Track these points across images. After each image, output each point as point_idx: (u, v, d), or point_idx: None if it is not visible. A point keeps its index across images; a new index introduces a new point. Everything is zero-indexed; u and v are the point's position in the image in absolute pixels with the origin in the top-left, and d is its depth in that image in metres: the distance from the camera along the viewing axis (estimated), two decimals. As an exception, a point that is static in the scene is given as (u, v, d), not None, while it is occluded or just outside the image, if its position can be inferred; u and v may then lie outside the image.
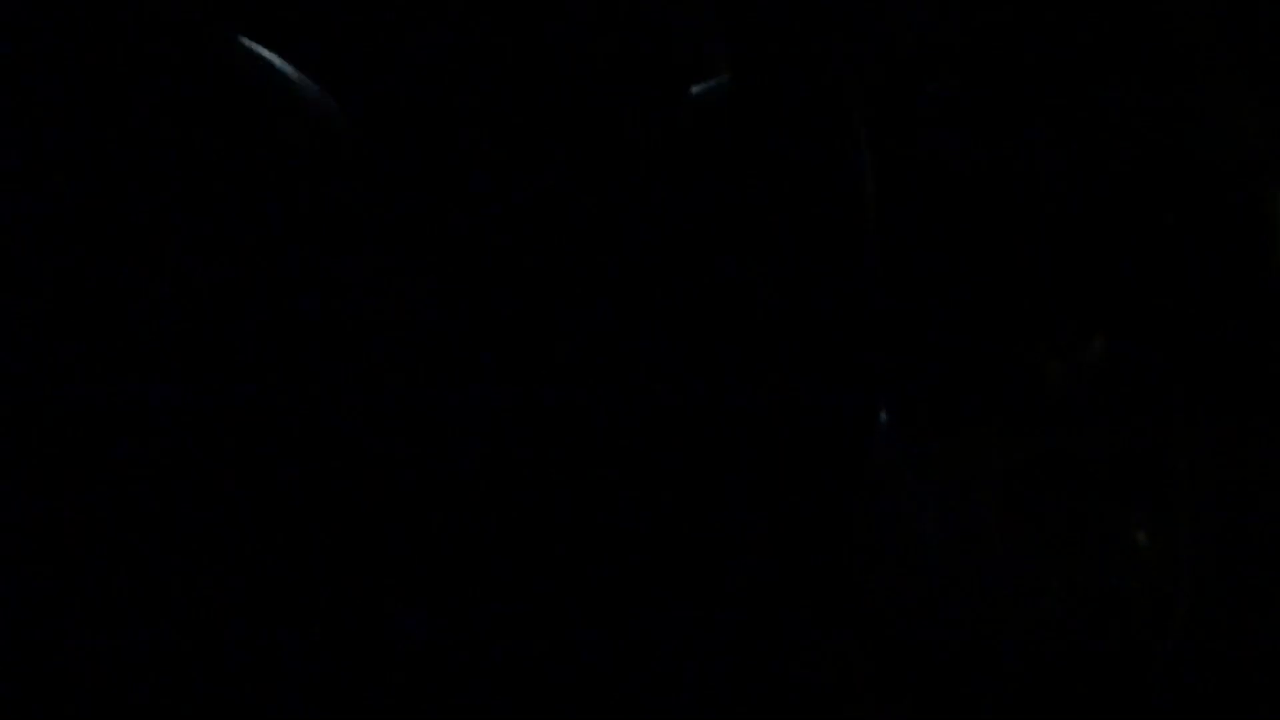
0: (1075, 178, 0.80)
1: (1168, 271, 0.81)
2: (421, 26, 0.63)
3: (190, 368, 0.45)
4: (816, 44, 0.50)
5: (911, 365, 0.76)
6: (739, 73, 0.51)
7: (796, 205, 0.48)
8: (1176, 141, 0.82)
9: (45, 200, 0.45)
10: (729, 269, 0.52)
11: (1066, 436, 0.77)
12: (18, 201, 0.44)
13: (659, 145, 0.54)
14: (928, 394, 0.77)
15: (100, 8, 0.45)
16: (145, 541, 0.45)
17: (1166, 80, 0.83)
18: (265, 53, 0.48)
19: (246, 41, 0.48)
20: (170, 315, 0.45)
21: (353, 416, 0.47)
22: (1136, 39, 0.84)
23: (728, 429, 0.52)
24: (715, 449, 0.52)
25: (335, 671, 0.48)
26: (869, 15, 0.81)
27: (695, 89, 0.57)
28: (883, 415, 0.74)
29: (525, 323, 0.50)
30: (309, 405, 0.46)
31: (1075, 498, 0.77)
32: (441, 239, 0.49)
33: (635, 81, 0.56)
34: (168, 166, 0.45)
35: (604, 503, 0.50)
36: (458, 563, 0.50)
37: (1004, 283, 0.79)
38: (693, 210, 0.55)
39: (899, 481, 0.75)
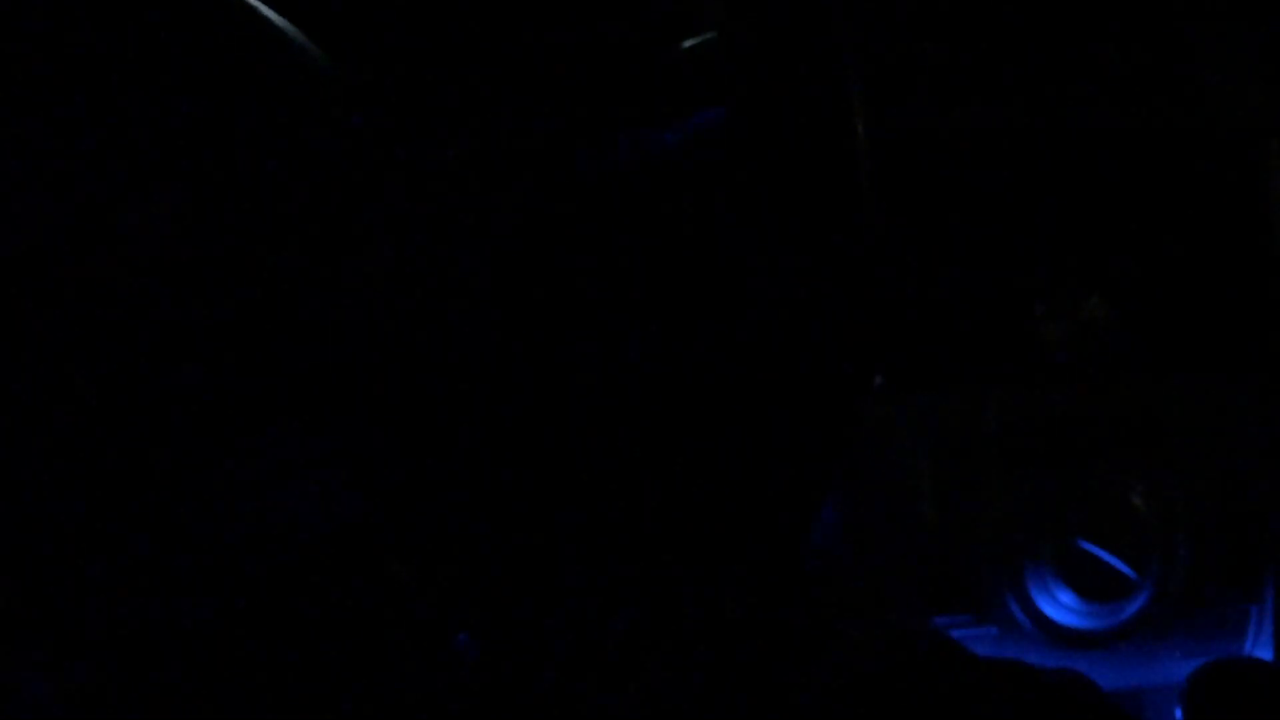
0: (1073, 142, 0.79)
1: (1164, 234, 0.81)
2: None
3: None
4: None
5: (910, 325, 0.76)
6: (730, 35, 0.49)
7: (793, 170, 0.47)
8: (1175, 107, 0.81)
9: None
10: (723, 230, 0.51)
11: (1063, 394, 0.77)
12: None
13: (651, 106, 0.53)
14: (926, 353, 0.76)
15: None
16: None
17: (1165, 46, 0.82)
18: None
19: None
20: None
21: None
22: (1137, 5, 0.83)
23: (721, 393, 0.51)
24: (708, 413, 0.51)
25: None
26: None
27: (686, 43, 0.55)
28: (878, 379, 0.73)
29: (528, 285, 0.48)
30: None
31: (1071, 456, 0.76)
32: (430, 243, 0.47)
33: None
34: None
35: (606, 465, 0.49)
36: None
37: (1003, 245, 0.78)
38: (684, 173, 0.54)
39: (892, 441, 0.74)
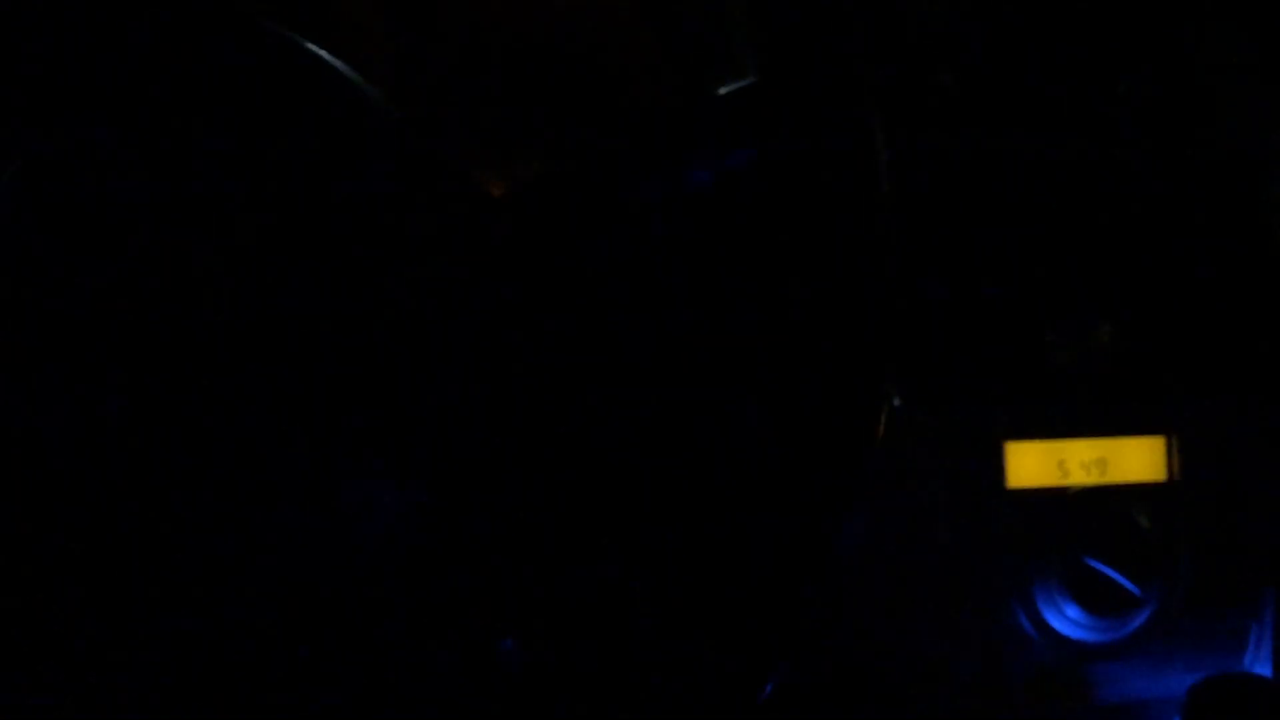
0: (1086, 166, 0.82)
1: (1175, 259, 0.83)
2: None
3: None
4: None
5: (925, 348, 0.78)
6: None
7: (817, 213, 0.50)
8: (1186, 133, 0.84)
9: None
10: (750, 267, 0.54)
11: (1072, 416, 0.79)
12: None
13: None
14: (940, 376, 0.79)
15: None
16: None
17: (1176, 72, 0.85)
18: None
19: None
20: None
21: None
22: (1147, 31, 0.86)
23: (738, 417, 0.54)
24: (725, 440, 0.54)
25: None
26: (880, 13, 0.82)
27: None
28: (896, 400, 0.76)
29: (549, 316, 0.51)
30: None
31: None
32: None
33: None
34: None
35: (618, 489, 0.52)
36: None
37: (1016, 269, 0.81)
38: (700, 196, 0.57)
39: (905, 460, 0.77)
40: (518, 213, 0.57)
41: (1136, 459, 0.80)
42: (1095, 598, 0.76)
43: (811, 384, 0.49)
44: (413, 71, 0.67)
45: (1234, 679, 0.67)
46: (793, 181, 0.50)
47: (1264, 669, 0.81)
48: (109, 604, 0.45)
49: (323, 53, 0.49)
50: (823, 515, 0.49)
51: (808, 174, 0.50)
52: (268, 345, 0.48)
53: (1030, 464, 0.78)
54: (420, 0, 0.71)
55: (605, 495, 0.51)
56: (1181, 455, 0.80)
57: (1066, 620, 0.77)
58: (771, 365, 0.50)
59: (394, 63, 0.70)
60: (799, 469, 0.49)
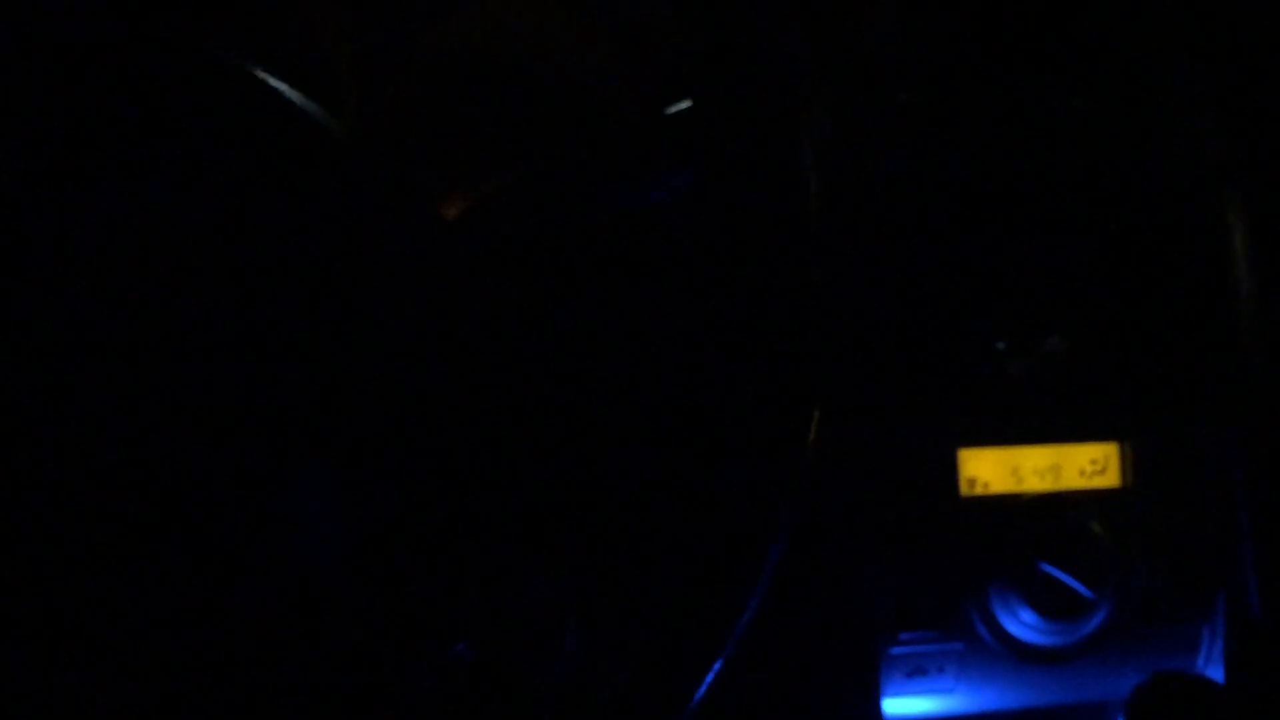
0: (1038, 180, 0.84)
1: (1125, 269, 0.85)
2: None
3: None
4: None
5: (878, 358, 0.80)
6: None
7: (740, 214, 0.51)
8: (1136, 151, 0.86)
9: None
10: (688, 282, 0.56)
11: (1024, 426, 0.81)
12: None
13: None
14: (894, 385, 0.81)
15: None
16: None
17: (1127, 90, 0.87)
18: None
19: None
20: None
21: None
22: (1100, 49, 0.88)
23: (673, 426, 0.56)
24: (660, 450, 0.55)
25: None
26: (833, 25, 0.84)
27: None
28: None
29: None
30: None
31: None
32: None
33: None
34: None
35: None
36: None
37: (969, 279, 0.83)
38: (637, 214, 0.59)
39: (862, 468, 0.78)
40: (469, 234, 0.59)
41: (1089, 465, 0.82)
42: (1050, 602, 0.78)
43: (743, 396, 0.51)
44: (376, 95, 0.69)
45: (1176, 678, 0.68)
46: (726, 201, 0.52)
47: (1216, 671, 0.83)
48: (50, 620, 0.47)
49: (275, 81, 0.51)
50: (757, 522, 0.51)
51: (740, 194, 0.52)
52: (220, 365, 0.50)
53: (984, 471, 0.80)
54: (386, 28, 0.73)
55: (545, 506, 0.53)
56: (1134, 461, 0.82)
57: (1022, 625, 0.78)
58: (704, 377, 0.52)
59: (358, 87, 0.73)
60: (733, 478, 0.51)
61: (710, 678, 0.52)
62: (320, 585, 0.51)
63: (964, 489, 0.80)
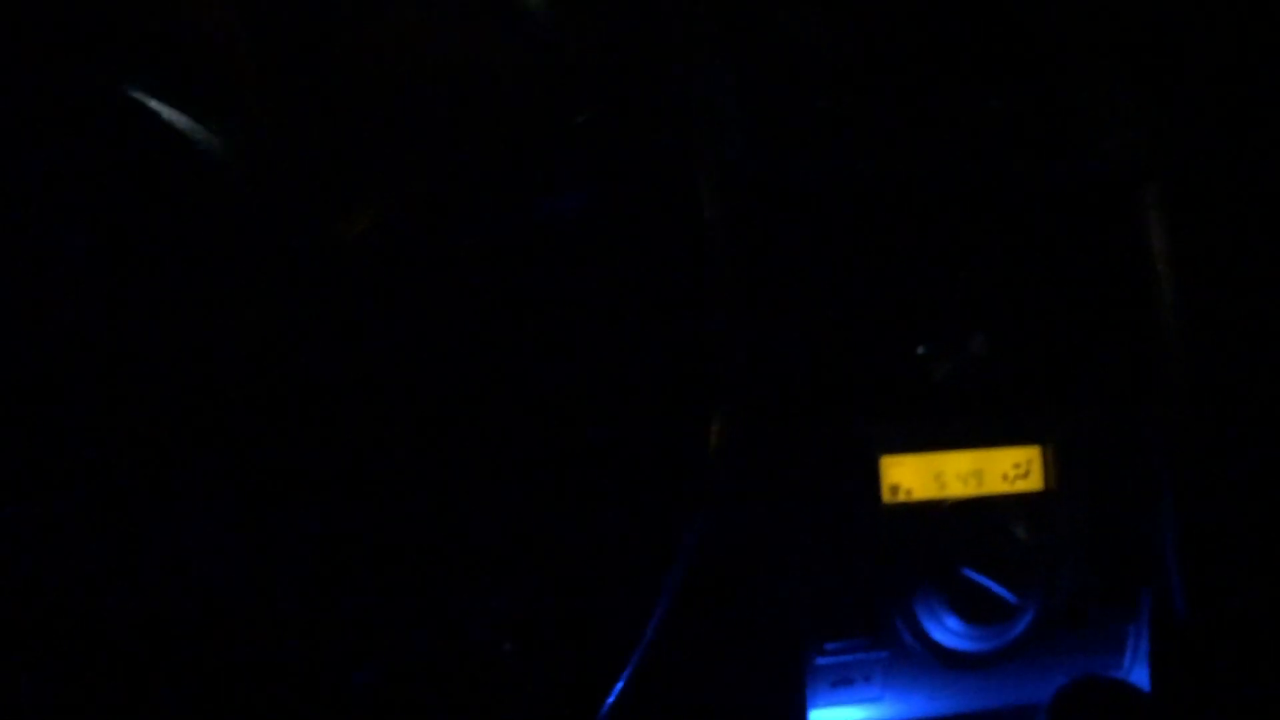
0: (958, 183, 0.84)
1: (1046, 272, 0.85)
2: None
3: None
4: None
5: (797, 364, 0.80)
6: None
7: (636, 226, 0.51)
8: (1054, 151, 0.86)
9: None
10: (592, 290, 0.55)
11: (946, 428, 0.81)
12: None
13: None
14: (814, 392, 0.80)
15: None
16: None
17: (1043, 90, 0.87)
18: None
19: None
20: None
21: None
22: (1017, 45, 0.88)
23: (575, 434, 0.55)
24: (562, 456, 0.55)
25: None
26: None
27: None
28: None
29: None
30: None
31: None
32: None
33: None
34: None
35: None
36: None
37: (888, 284, 0.82)
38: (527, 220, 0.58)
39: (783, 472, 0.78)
40: (366, 252, 0.58)
41: (1012, 469, 0.82)
42: (974, 608, 0.77)
43: (642, 405, 0.50)
44: (271, 112, 0.68)
45: (1096, 682, 0.68)
46: (623, 212, 0.51)
47: (1142, 671, 0.83)
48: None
49: (153, 101, 0.50)
50: (661, 527, 0.51)
51: (636, 206, 0.51)
52: (106, 385, 0.48)
53: (906, 478, 0.80)
54: (284, 39, 0.72)
55: (448, 516, 0.52)
56: (1056, 464, 0.82)
57: (947, 631, 0.78)
58: (605, 384, 0.51)
59: (258, 102, 0.71)
60: (634, 483, 0.51)
61: (620, 684, 0.51)
62: (223, 607, 0.50)
63: (886, 496, 0.80)
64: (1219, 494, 0.84)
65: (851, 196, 0.83)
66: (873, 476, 0.79)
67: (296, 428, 0.51)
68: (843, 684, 0.79)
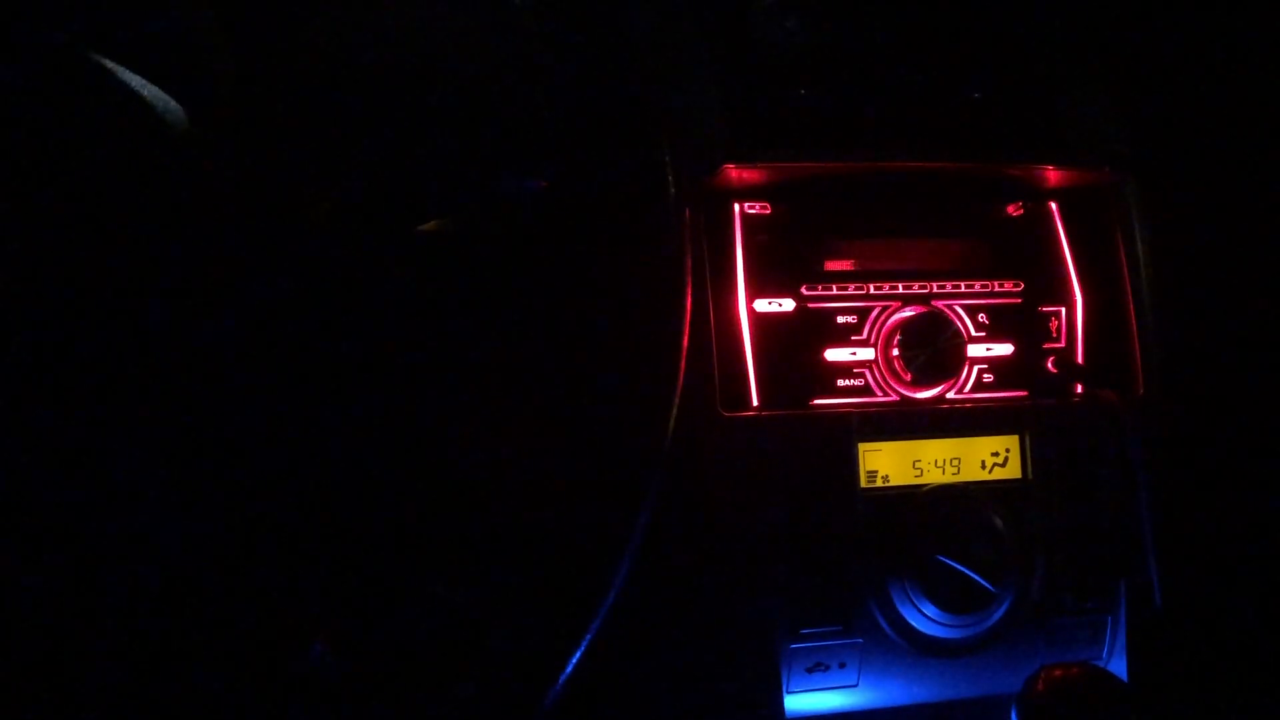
0: (935, 181, 0.84)
1: (1024, 262, 0.85)
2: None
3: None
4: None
5: (775, 351, 0.80)
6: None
7: (604, 212, 0.51)
8: (1034, 138, 0.86)
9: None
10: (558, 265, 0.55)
11: (925, 418, 0.81)
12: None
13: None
14: (793, 379, 0.80)
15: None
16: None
17: (1024, 88, 0.87)
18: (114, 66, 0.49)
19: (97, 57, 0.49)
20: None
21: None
22: (999, 41, 0.88)
23: (534, 418, 0.55)
24: (522, 438, 0.55)
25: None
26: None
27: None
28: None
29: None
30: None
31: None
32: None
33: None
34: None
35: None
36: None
37: (864, 274, 0.82)
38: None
39: (760, 460, 0.78)
40: (335, 229, 0.58)
41: (990, 458, 0.82)
42: (950, 596, 0.77)
43: (603, 391, 0.50)
44: (249, 85, 0.68)
45: (1068, 668, 0.68)
46: (591, 200, 0.52)
47: (1119, 659, 0.83)
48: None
49: (114, 66, 0.50)
50: (620, 510, 0.51)
51: (603, 195, 0.51)
52: (69, 359, 0.48)
53: (884, 464, 0.80)
54: (261, 25, 0.72)
55: (409, 496, 0.52)
56: (1034, 454, 0.82)
57: (923, 618, 0.78)
58: (566, 369, 0.51)
59: (232, 77, 0.71)
60: (595, 468, 0.51)
61: (574, 660, 0.51)
62: (167, 581, 0.50)
63: (864, 482, 0.79)
64: (1195, 484, 0.84)
65: (830, 185, 0.83)
66: (851, 463, 0.79)
67: (259, 399, 0.51)
68: (818, 670, 0.78)
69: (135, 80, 0.50)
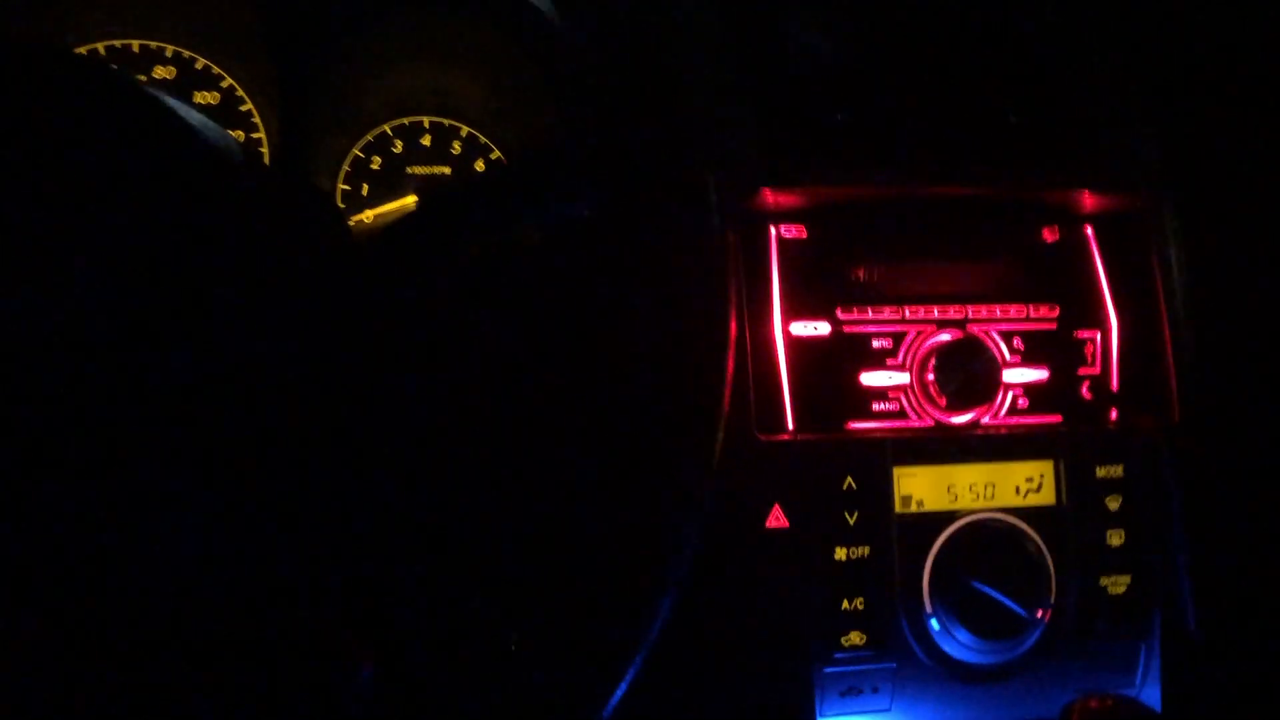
0: (971, 206, 0.84)
1: (1058, 283, 0.85)
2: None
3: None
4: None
5: (812, 376, 0.80)
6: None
7: (650, 239, 0.52)
8: (1071, 162, 0.86)
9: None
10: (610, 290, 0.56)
11: (959, 446, 0.81)
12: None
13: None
14: (830, 404, 0.81)
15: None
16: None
17: (1057, 110, 0.87)
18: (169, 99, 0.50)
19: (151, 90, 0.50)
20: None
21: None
22: (1033, 61, 0.88)
23: (582, 445, 0.55)
24: (569, 461, 0.55)
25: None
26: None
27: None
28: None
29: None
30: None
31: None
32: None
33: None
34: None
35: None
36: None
37: (898, 296, 0.83)
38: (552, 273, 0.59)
39: (798, 484, 0.78)
40: (385, 256, 0.59)
41: (1024, 483, 0.82)
42: (984, 621, 0.77)
43: (648, 413, 0.51)
44: (294, 118, 0.69)
45: (1103, 699, 0.68)
46: (636, 228, 0.52)
47: (1153, 689, 0.82)
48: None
49: (172, 101, 0.51)
50: (665, 533, 0.51)
51: (648, 222, 0.52)
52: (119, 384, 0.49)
53: (919, 489, 0.80)
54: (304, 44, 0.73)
55: (460, 521, 0.53)
56: (1068, 479, 0.82)
57: (957, 643, 0.78)
58: (608, 398, 0.52)
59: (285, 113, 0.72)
60: (641, 492, 0.51)
61: (626, 682, 0.52)
62: (215, 606, 0.50)
63: (899, 507, 0.80)
64: (1231, 511, 0.84)
65: (864, 207, 0.83)
66: (886, 487, 0.79)
67: (309, 425, 0.52)
68: (851, 694, 0.79)
69: (194, 116, 0.51)
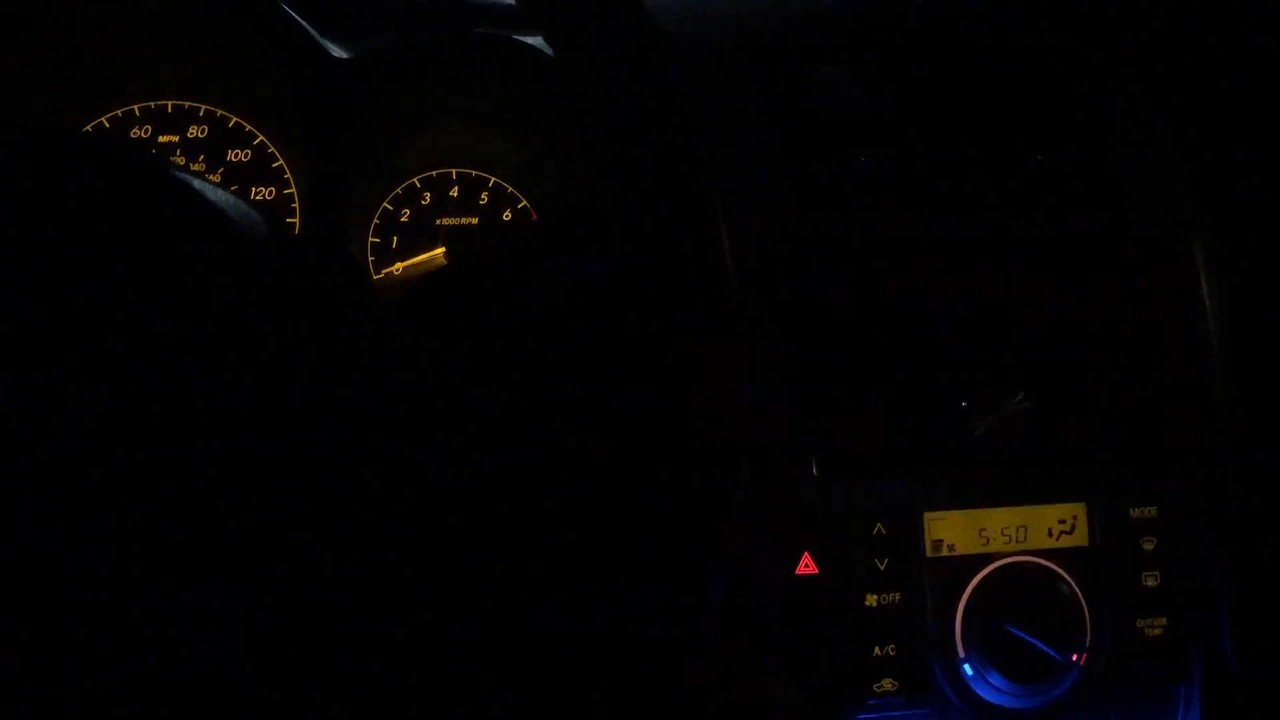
0: (1000, 246, 0.84)
1: (1088, 330, 0.85)
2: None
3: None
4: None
5: (844, 422, 0.80)
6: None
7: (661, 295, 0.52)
8: (1101, 204, 0.85)
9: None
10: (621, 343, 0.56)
11: (988, 485, 0.81)
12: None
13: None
14: (860, 449, 0.81)
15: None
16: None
17: (1088, 149, 0.87)
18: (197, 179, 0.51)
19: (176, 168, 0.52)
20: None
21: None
22: (1071, 105, 0.88)
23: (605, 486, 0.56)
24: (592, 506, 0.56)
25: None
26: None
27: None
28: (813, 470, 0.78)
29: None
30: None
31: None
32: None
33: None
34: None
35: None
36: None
37: (932, 345, 0.83)
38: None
39: (831, 527, 0.78)
40: (409, 312, 0.60)
41: (1057, 525, 0.81)
42: (1018, 666, 0.77)
43: (671, 455, 0.51)
44: (325, 175, 0.70)
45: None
46: (647, 285, 0.53)
47: (1194, 730, 0.82)
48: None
49: (197, 181, 0.52)
50: (690, 581, 0.51)
51: (657, 280, 0.52)
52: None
53: (951, 533, 0.80)
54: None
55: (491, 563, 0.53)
56: (1101, 521, 0.81)
57: (990, 688, 0.78)
58: (625, 455, 0.52)
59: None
60: (664, 536, 0.52)
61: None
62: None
63: (930, 551, 0.80)
64: (1269, 550, 0.83)
65: (893, 253, 0.83)
66: (916, 532, 0.79)
67: (343, 477, 0.53)
68: (885, 740, 0.78)
69: (220, 195, 0.52)
